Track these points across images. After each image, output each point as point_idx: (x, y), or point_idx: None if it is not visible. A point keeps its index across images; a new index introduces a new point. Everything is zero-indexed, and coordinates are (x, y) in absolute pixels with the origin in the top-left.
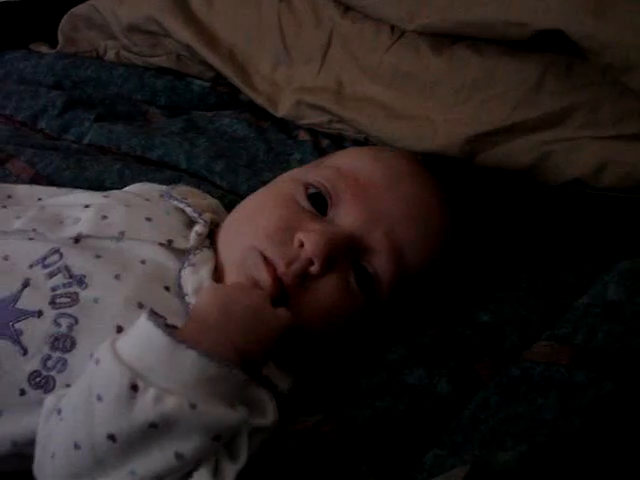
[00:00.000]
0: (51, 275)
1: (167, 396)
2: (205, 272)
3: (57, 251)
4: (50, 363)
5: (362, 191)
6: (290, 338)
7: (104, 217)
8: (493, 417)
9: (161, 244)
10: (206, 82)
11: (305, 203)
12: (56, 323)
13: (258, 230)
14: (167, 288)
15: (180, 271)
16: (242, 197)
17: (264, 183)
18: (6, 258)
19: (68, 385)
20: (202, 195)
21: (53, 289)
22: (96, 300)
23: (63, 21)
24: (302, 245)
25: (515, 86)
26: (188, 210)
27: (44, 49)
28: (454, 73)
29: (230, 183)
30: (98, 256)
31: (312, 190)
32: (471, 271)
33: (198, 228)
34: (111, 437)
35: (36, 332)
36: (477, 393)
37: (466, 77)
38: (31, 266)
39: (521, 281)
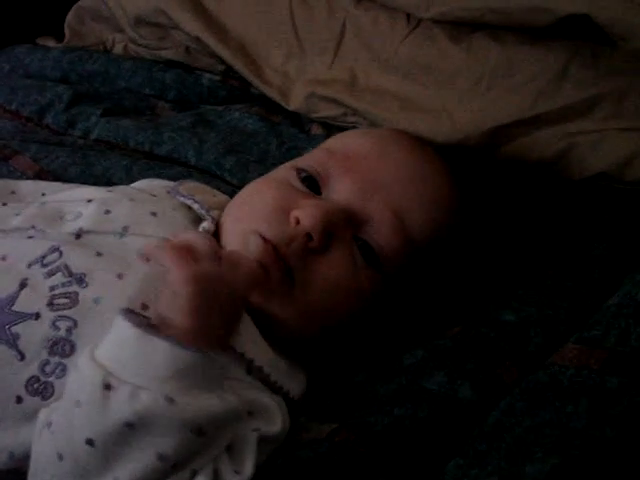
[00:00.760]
0: (50, 274)
1: (141, 392)
2: None
3: (57, 249)
4: (49, 368)
5: (353, 164)
6: (303, 325)
7: (107, 211)
8: (519, 425)
9: (166, 240)
10: (216, 75)
11: (299, 185)
12: (54, 326)
13: (255, 214)
14: None
15: None
16: None
17: None
18: (4, 258)
19: None
20: (211, 192)
21: (52, 289)
22: (96, 301)
23: (70, 14)
24: (299, 222)
25: (537, 75)
26: (195, 207)
27: (51, 43)
28: (473, 63)
29: (240, 179)
30: (99, 253)
31: (304, 174)
32: (492, 267)
33: (205, 224)
34: (89, 442)
35: (34, 336)
36: (501, 399)
37: (486, 67)
38: (29, 265)
39: (546, 279)
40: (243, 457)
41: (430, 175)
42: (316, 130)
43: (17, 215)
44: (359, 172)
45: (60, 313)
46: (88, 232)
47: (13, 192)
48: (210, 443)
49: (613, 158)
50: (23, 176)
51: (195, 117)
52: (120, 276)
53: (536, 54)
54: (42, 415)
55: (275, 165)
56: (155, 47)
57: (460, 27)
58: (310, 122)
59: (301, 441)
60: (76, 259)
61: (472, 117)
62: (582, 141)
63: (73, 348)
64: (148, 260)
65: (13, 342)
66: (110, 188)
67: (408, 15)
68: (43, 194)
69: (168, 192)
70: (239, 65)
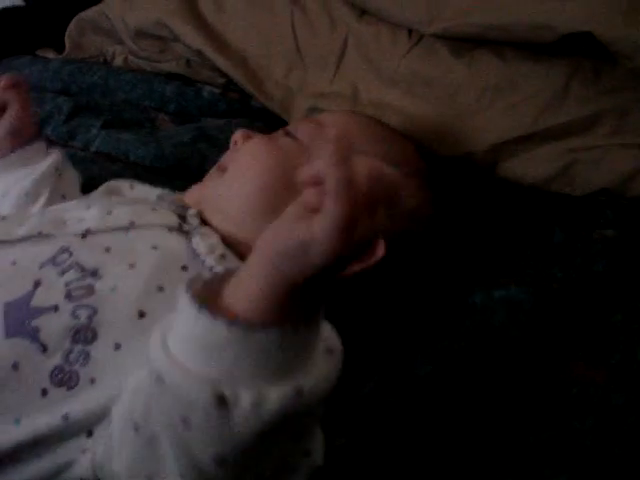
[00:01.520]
0: (63, 272)
1: (265, 393)
2: (215, 239)
3: (66, 249)
4: (72, 357)
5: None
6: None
7: (109, 212)
8: (526, 442)
9: (170, 229)
10: (216, 88)
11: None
12: (74, 315)
13: None
14: (184, 267)
15: (190, 240)
16: None
17: None
18: (14, 263)
19: (93, 380)
20: None
21: (67, 284)
22: (113, 289)
23: (70, 26)
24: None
25: (540, 92)
26: (173, 207)
27: (51, 54)
28: (475, 78)
29: None
30: (108, 249)
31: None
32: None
33: (190, 211)
34: (220, 462)
35: (54, 327)
36: (507, 412)
37: (488, 82)
38: (41, 267)
39: (546, 293)
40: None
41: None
42: None
43: (21, 225)
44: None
45: (79, 302)
46: (94, 232)
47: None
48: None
49: (615, 174)
50: None
51: (196, 131)
52: (132, 266)
53: (538, 70)
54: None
55: None
56: (155, 59)
57: (462, 42)
58: None
59: None
60: (86, 256)
61: (474, 132)
62: (584, 157)
63: (95, 335)
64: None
65: (34, 335)
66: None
67: (410, 30)
68: None
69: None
70: (240, 78)
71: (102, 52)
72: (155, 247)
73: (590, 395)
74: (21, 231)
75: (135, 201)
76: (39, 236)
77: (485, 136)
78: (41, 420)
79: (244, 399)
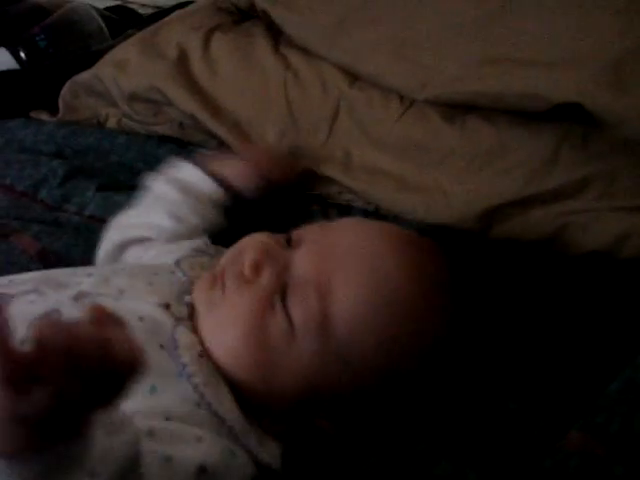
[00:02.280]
0: None
1: None
2: (196, 338)
3: (56, 310)
4: None
5: (324, 239)
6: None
7: (106, 280)
8: None
9: (159, 305)
10: (209, 151)
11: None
12: None
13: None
14: (161, 346)
15: (175, 327)
16: None
17: None
18: None
19: None
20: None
21: None
22: None
23: (64, 89)
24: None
25: (530, 157)
26: (183, 280)
27: (44, 117)
28: (466, 143)
29: None
30: None
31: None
32: (489, 352)
33: (187, 298)
34: None
35: None
36: None
37: (479, 147)
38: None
39: (544, 361)
40: None
41: (391, 270)
42: (312, 206)
43: (25, 282)
44: (325, 247)
45: None
46: (87, 294)
47: None
48: None
49: (606, 237)
50: (24, 254)
51: None
52: None
53: (528, 136)
54: None
55: None
56: (149, 122)
57: (453, 108)
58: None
59: None
60: (75, 316)
61: (466, 197)
62: (575, 221)
63: None
64: None
65: None
66: (114, 265)
67: (401, 96)
68: None
69: (172, 272)
70: (233, 142)
71: (96, 114)
72: (141, 318)
73: (590, 466)
74: (20, 287)
75: (138, 273)
76: (34, 293)
77: (477, 200)
78: None
79: None
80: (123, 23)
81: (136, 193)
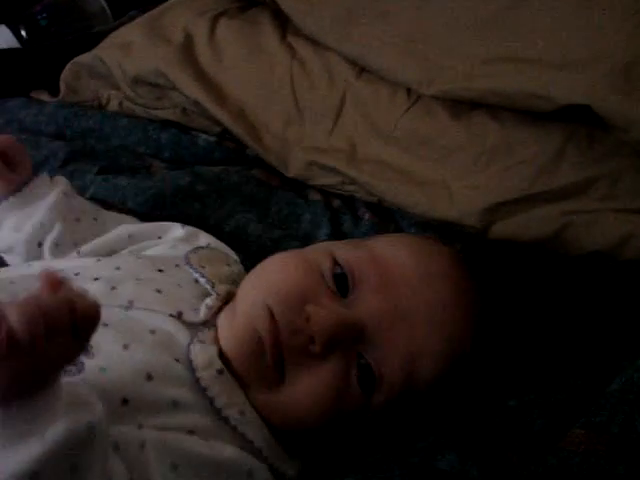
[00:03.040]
0: None
1: None
2: (214, 350)
3: None
4: None
5: (390, 282)
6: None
7: (113, 288)
8: None
9: (171, 315)
10: (212, 137)
11: (329, 279)
12: None
13: (273, 289)
14: (177, 360)
15: (189, 346)
16: (251, 256)
17: (274, 241)
18: None
19: None
20: (226, 260)
21: None
22: (103, 369)
23: (66, 70)
24: (310, 319)
25: (535, 156)
26: (202, 281)
27: (45, 97)
28: (472, 140)
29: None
30: (105, 324)
31: (338, 270)
32: (494, 353)
33: (209, 301)
34: None
35: None
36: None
37: (485, 144)
38: None
39: (545, 361)
40: None
41: (463, 327)
42: (314, 196)
43: (22, 287)
44: (393, 293)
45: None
46: None
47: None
48: None
49: (608, 238)
50: None
51: (193, 176)
52: (126, 347)
53: (534, 135)
54: None
55: (273, 228)
56: (152, 106)
57: (460, 104)
58: (308, 187)
59: None
60: None
61: (471, 193)
62: (577, 221)
63: None
64: None
65: None
66: (117, 263)
67: (409, 89)
68: None
69: (177, 265)
70: (237, 130)
71: (97, 96)
72: (153, 331)
73: (592, 464)
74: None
75: (145, 277)
76: None
77: (482, 196)
78: None
79: None
80: (126, 4)
81: (137, 176)
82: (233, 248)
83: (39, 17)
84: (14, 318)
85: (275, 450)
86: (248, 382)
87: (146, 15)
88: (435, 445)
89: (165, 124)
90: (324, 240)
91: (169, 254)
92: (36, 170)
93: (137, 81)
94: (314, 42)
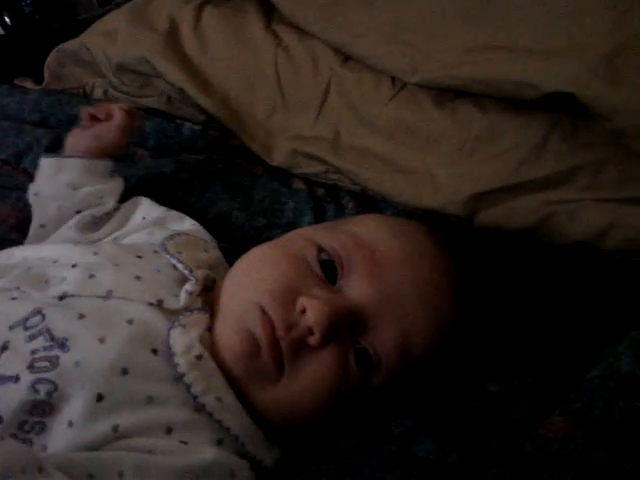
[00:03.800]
0: (32, 338)
1: None
2: (195, 334)
3: (39, 312)
4: (27, 427)
5: (377, 266)
6: (279, 411)
7: (91, 276)
8: None
9: (150, 304)
10: (196, 125)
11: (316, 267)
12: (34, 389)
13: (263, 286)
14: (154, 351)
15: (169, 330)
16: (234, 244)
17: (257, 230)
18: None
19: (45, 447)
20: (203, 246)
21: (33, 352)
22: (77, 364)
23: (50, 57)
24: (304, 311)
25: (519, 145)
26: (180, 267)
27: (29, 84)
28: (457, 128)
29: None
30: (82, 315)
31: (324, 256)
32: (475, 339)
33: (188, 286)
34: None
35: (12, 399)
36: (488, 466)
37: (469, 133)
38: (11, 328)
39: (526, 348)
40: None
41: (449, 304)
42: (298, 185)
43: (1, 277)
44: (381, 276)
45: (40, 376)
46: (72, 295)
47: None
48: None
49: (590, 228)
50: (3, 224)
51: (177, 164)
52: (102, 340)
53: (518, 123)
54: None
55: (257, 216)
56: (136, 94)
57: (444, 93)
58: (291, 176)
59: None
60: (58, 322)
61: (454, 181)
62: (561, 210)
63: (52, 409)
64: None
65: None
66: (96, 249)
67: (393, 78)
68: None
69: (155, 252)
70: (222, 118)
71: (82, 84)
72: (130, 321)
73: (570, 450)
74: (0, 283)
75: (123, 263)
76: (16, 291)
77: (465, 185)
78: None
79: None
80: None
81: (120, 164)
82: (216, 236)
83: (23, 4)
84: None
85: (254, 437)
86: (247, 382)
87: (131, 2)
88: (412, 431)
89: (149, 112)
90: None
91: (146, 240)
92: (20, 156)
93: (121, 68)
94: (299, 30)
